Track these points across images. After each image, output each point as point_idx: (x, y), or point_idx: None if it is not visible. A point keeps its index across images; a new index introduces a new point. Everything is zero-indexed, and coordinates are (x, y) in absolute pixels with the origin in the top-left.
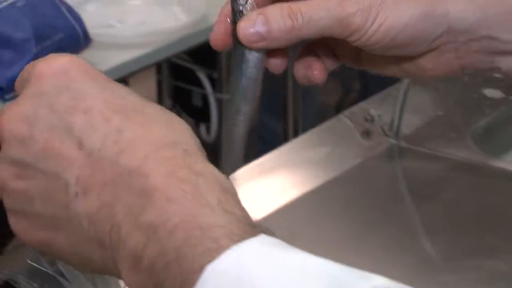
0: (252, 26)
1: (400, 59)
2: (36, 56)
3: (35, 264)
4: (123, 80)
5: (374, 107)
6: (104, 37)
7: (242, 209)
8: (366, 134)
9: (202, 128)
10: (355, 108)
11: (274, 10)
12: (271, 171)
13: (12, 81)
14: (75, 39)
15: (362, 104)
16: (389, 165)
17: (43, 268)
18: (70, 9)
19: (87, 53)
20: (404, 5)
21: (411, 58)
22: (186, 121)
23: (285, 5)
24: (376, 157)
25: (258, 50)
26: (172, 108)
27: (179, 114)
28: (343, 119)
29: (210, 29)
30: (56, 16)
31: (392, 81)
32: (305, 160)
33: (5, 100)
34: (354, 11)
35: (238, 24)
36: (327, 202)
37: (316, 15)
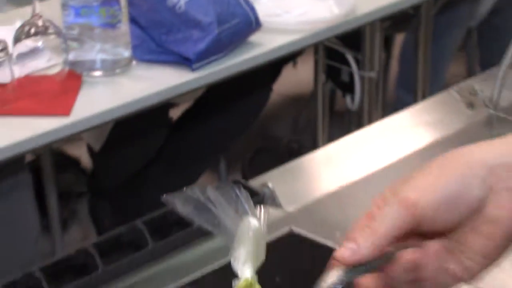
0: None
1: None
2: (218, 36)
3: (189, 193)
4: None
5: (478, 84)
6: (272, 23)
7: None
8: (470, 105)
9: (348, 99)
10: (462, 84)
11: None
12: (397, 130)
13: (198, 55)
14: (248, 24)
15: (468, 81)
16: (487, 131)
17: (195, 196)
18: (246, 0)
19: (257, 36)
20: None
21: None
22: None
23: None
24: (477, 124)
25: None
26: (325, 82)
27: (331, 87)
28: (452, 93)
29: (357, 19)
30: (235, 5)
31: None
32: (423, 123)
33: (193, 70)
34: None
35: None
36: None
37: None
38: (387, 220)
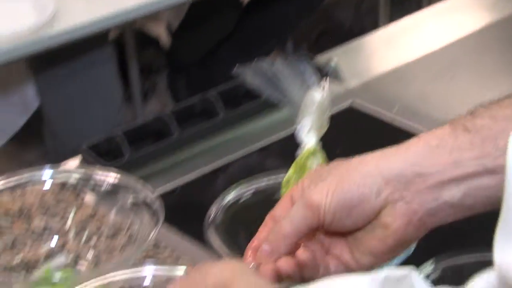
0: None
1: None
2: None
3: (259, 65)
4: None
5: None
6: None
7: None
8: None
9: None
10: None
11: None
12: (455, 12)
13: None
14: None
15: None
16: None
17: (264, 68)
18: None
19: None
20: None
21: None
22: None
23: None
24: None
25: None
26: None
27: None
28: None
29: None
30: None
31: None
32: (480, 5)
33: None
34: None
35: None
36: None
37: None
38: (294, 220)
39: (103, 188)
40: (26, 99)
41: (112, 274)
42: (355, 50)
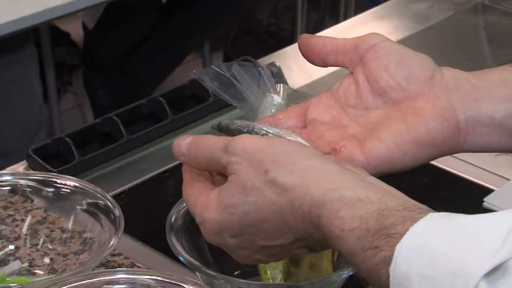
0: None
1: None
2: None
3: (217, 69)
4: None
5: None
6: None
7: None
8: None
9: None
10: None
11: None
12: (384, 18)
13: None
14: None
15: None
16: (474, 17)
17: (222, 72)
18: None
19: None
20: None
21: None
22: None
23: None
24: (464, 12)
25: None
26: None
27: None
28: None
29: None
30: None
31: None
32: (409, 12)
33: None
34: None
35: None
36: (425, 44)
37: None
38: None
39: (52, 193)
40: None
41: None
42: (296, 53)
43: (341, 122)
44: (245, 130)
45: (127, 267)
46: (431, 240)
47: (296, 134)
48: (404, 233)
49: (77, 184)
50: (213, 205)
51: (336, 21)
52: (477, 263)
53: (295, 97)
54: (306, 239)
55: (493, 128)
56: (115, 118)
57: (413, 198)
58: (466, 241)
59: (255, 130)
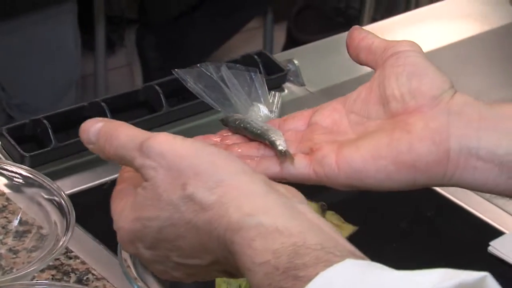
0: None
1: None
2: None
3: (203, 69)
4: None
5: None
6: None
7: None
8: None
9: None
10: None
11: None
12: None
13: None
14: None
15: None
16: None
17: (208, 73)
18: None
19: None
20: None
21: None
22: None
23: None
24: None
25: None
26: None
27: None
28: None
29: None
30: None
31: None
32: (465, 15)
33: None
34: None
35: None
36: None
37: None
38: None
39: (16, 181)
40: None
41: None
42: (321, 51)
43: (340, 127)
44: (237, 123)
45: (80, 274)
46: None
47: (281, 134)
48: (313, 278)
49: (31, 176)
50: (126, 214)
51: (407, 5)
52: None
53: (309, 99)
54: (223, 263)
55: (492, 165)
56: (102, 104)
57: (414, 229)
58: None
59: (243, 123)
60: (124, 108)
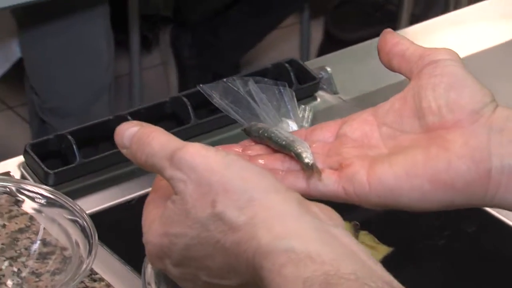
0: None
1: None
2: None
3: (229, 84)
4: None
5: None
6: None
7: None
8: None
9: None
10: None
11: None
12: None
13: None
14: None
15: None
16: None
17: (235, 88)
18: None
19: None
20: None
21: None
22: None
23: None
24: None
25: None
26: None
27: None
28: None
29: None
30: None
31: None
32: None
33: None
34: None
35: None
36: None
37: None
38: None
39: (38, 201)
40: (8, 49)
41: None
42: (355, 58)
43: (370, 141)
44: (260, 132)
45: None
46: None
47: (307, 146)
48: None
49: (52, 196)
50: (155, 228)
51: (447, 5)
52: None
53: (343, 108)
54: (252, 286)
55: None
56: (128, 117)
57: (455, 247)
58: None
59: (267, 132)
60: (151, 120)
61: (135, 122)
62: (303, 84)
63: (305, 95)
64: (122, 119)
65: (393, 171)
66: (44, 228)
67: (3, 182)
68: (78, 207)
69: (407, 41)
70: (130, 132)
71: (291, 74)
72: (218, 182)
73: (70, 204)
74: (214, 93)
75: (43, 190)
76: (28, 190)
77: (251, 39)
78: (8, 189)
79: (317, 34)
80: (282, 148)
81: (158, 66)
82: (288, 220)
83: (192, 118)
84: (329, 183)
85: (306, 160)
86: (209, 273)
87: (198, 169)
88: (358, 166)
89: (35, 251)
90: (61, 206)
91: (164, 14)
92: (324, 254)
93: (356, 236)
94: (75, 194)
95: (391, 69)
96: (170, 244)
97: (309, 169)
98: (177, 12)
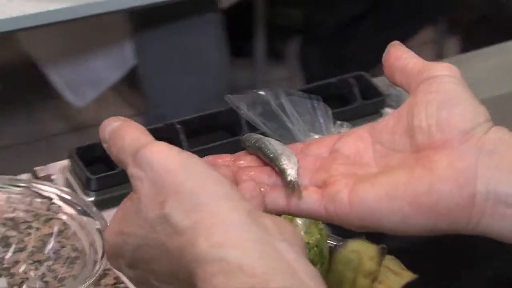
0: None
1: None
2: None
3: (260, 94)
4: None
5: None
6: None
7: None
8: None
9: None
10: None
11: None
12: None
13: None
14: None
15: None
16: None
17: (265, 99)
18: None
19: None
20: None
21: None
22: None
23: None
24: None
25: None
26: None
27: None
28: None
29: None
30: None
31: None
32: None
33: None
34: None
35: None
36: None
37: None
38: None
39: (78, 207)
40: (124, 55)
41: None
42: None
43: (362, 158)
44: (253, 142)
45: None
46: None
47: (295, 162)
48: None
49: (84, 207)
50: (112, 226)
51: None
52: None
53: None
54: None
55: None
56: (178, 126)
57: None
58: None
59: (259, 142)
60: (202, 130)
61: (119, 117)
62: (367, 99)
63: (370, 111)
64: (171, 127)
65: (374, 191)
66: (76, 233)
67: (44, 186)
68: (104, 220)
69: (410, 54)
70: (111, 127)
71: (355, 89)
72: (171, 183)
73: (100, 216)
74: (241, 104)
75: (78, 199)
76: (65, 198)
77: (381, 52)
78: (46, 194)
79: (450, 51)
80: (270, 161)
81: (284, 80)
82: (230, 230)
83: (244, 129)
84: (311, 201)
85: (289, 178)
86: (157, 277)
87: (155, 168)
88: (341, 185)
89: (63, 255)
90: (91, 216)
91: (291, 25)
92: (257, 267)
93: (381, 260)
94: (118, 200)
95: (394, 83)
96: (123, 243)
97: (290, 187)
98: (306, 25)
